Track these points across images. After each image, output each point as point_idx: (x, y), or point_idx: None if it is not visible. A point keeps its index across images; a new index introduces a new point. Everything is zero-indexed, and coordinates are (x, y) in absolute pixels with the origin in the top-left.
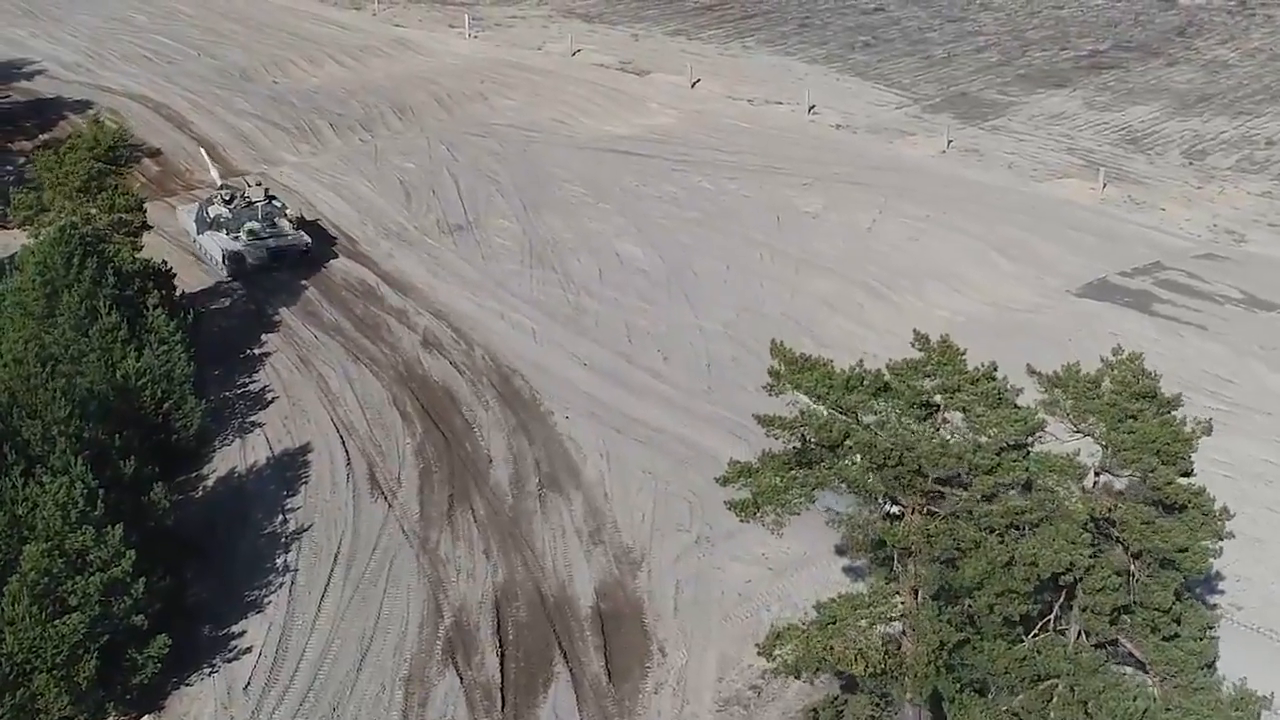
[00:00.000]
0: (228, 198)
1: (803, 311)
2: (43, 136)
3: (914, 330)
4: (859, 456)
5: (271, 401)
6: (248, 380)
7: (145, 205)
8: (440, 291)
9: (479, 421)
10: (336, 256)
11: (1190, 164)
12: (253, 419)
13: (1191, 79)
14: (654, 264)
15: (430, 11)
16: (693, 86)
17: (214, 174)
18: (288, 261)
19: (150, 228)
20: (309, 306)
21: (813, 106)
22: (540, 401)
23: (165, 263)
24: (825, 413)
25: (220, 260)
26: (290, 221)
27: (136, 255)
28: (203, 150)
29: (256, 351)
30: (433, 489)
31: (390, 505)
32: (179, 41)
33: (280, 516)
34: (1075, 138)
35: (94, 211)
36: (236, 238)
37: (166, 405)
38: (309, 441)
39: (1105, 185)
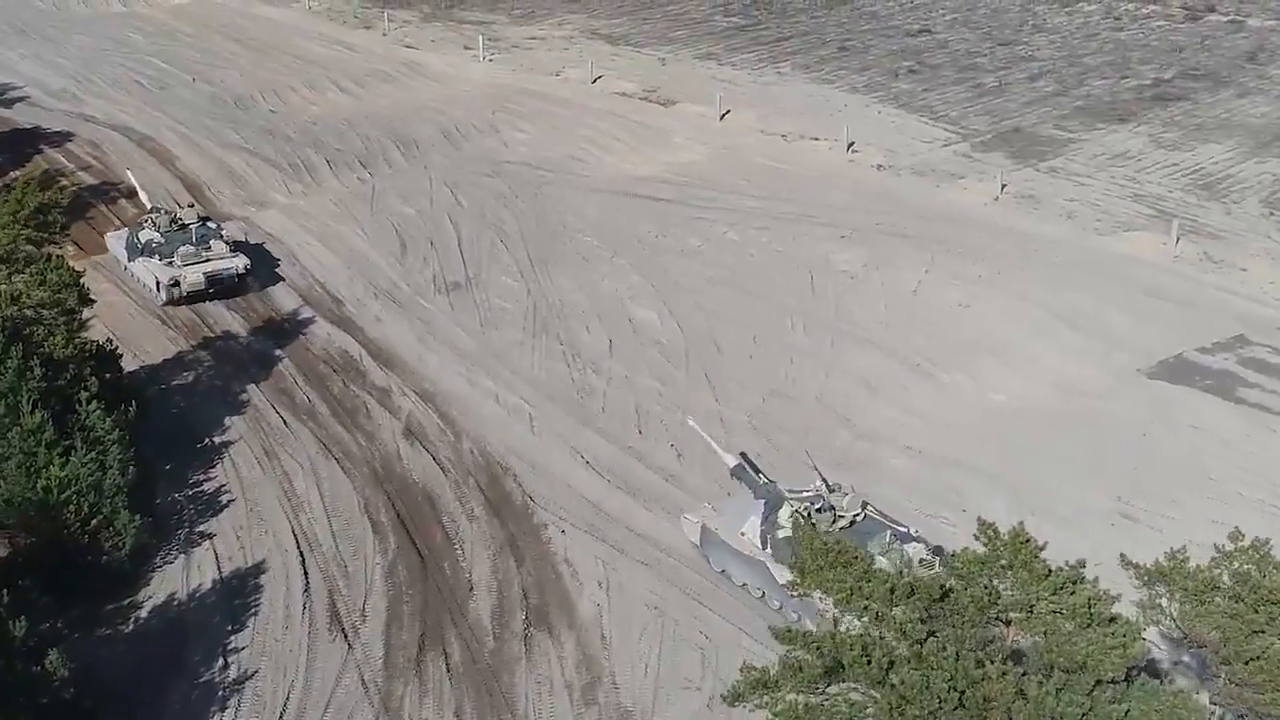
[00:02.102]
0: (159, 222)
1: (839, 395)
2: (14, 174)
3: (978, 523)
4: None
5: (227, 505)
6: (202, 477)
7: (83, 280)
8: (430, 365)
9: (461, 535)
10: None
11: (1272, 214)
12: (202, 528)
13: (1266, 113)
14: (671, 334)
15: (445, 31)
16: (722, 118)
17: (143, 197)
18: (225, 286)
19: (93, 301)
20: (281, 383)
21: (852, 143)
22: (533, 510)
23: (110, 341)
24: (860, 630)
25: (154, 288)
26: (227, 244)
27: (74, 336)
28: (129, 172)
29: (217, 440)
30: (402, 625)
31: (351, 646)
32: (174, 65)
33: (221, 660)
34: (1141, 182)
35: (20, 288)
36: (170, 263)
37: (95, 521)
38: (264, 560)
39: (1178, 240)
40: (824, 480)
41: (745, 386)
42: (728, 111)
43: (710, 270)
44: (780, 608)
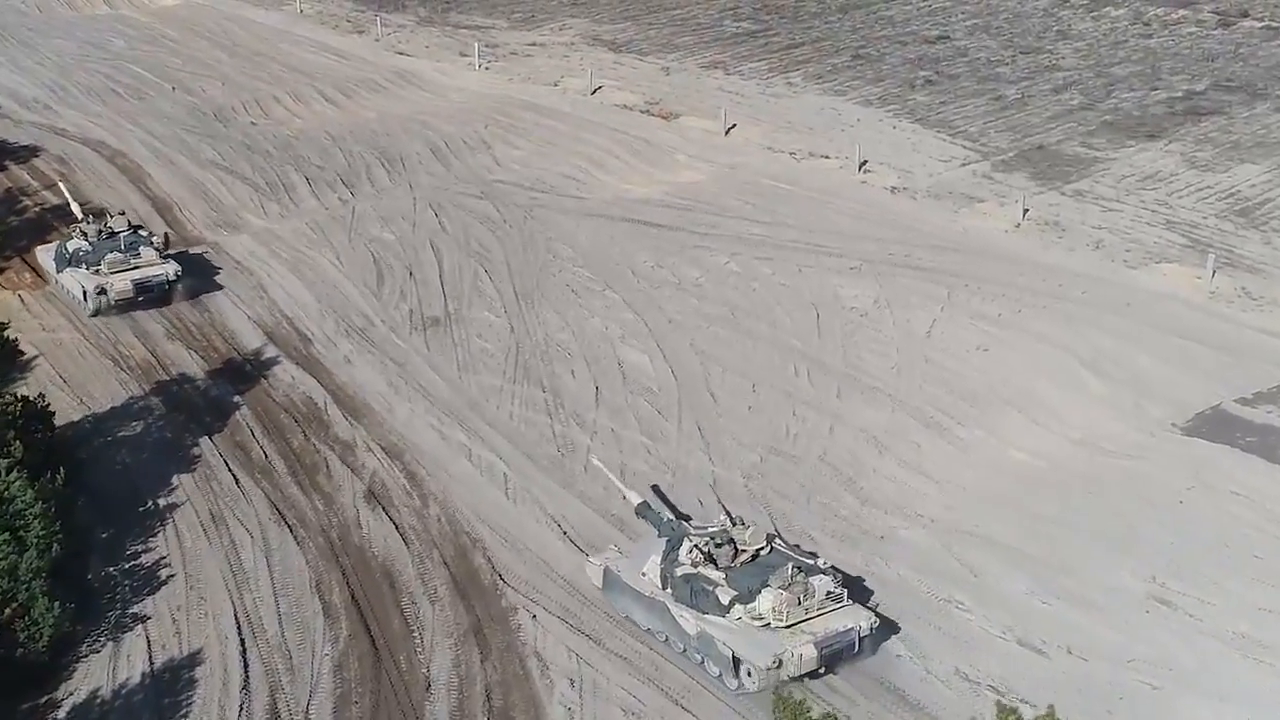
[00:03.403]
0: (88, 231)
1: (844, 453)
2: None
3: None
4: None
5: (165, 582)
6: (141, 548)
7: (6, 330)
8: (399, 415)
9: (422, 621)
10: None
11: None
12: (136, 609)
13: None
14: (664, 380)
15: (440, 37)
16: (727, 134)
17: (75, 209)
18: (155, 294)
19: (21, 355)
20: (237, 435)
21: (865, 162)
22: (502, 592)
23: (42, 397)
24: None
25: (82, 297)
26: (157, 250)
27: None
28: (61, 184)
29: (161, 502)
30: None
31: None
32: (154, 73)
33: None
34: (1174, 207)
35: None
36: (97, 270)
37: (8, 610)
38: (201, 649)
39: (1214, 274)
40: (728, 514)
41: (742, 443)
42: (733, 126)
43: (708, 307)
44: (684, 651)
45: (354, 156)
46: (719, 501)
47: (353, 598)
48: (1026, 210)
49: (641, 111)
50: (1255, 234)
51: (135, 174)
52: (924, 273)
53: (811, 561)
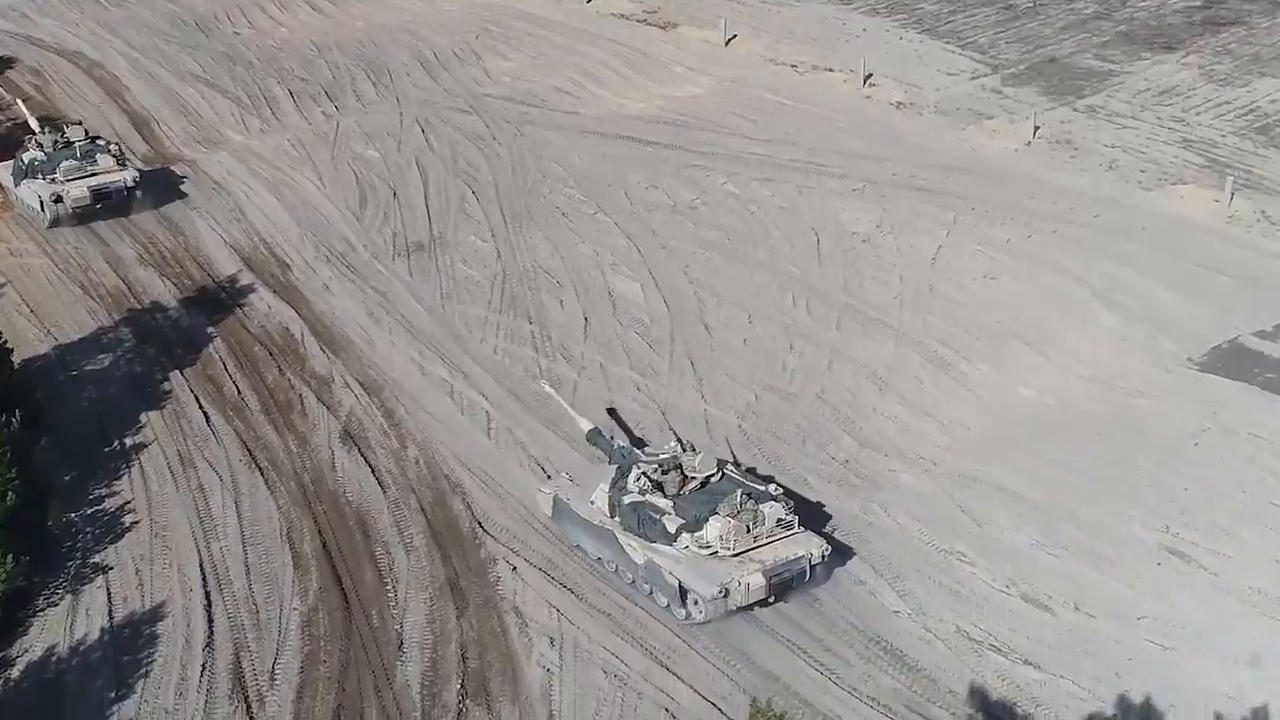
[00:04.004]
0: (44, 142)
1: (843, 391)
2: None
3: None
4: None
5: (129, 529)
6: (105, 492)
7: None
8: (379, 348)
9: (396, 572)
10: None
11: None
12: (98, 558)
13: None
14: (656, 310)
15: None
16: (727, 44)
17: (32, 122)
18: (114, 201)
19: None
20: (210, 369)
21: (870, 76)
22: (481, 541)
23: (4, 331)
24: None
25: (39, 208)
26: (115, 158)
27: None
28: (19, 101)
29: (128, 442)
30: (315, 694)
31: None
32: None
33: None
34: (1191, 124)
35: None
36: (53, 179)
37: None
38: (164, 602)
39: (1233, 196)
40: (679, 439)
41: (736, 379)
42: (734, 37)
43: (704, 231)
44: (632, 582)
45: (339, 69)
46: (669, 427)
47: (324, 547)
48: (1037, 128)
49: (639, 21)
50: (1276, 153)
51: (112, 87)
52: (929, 195)
53: (762, 488)
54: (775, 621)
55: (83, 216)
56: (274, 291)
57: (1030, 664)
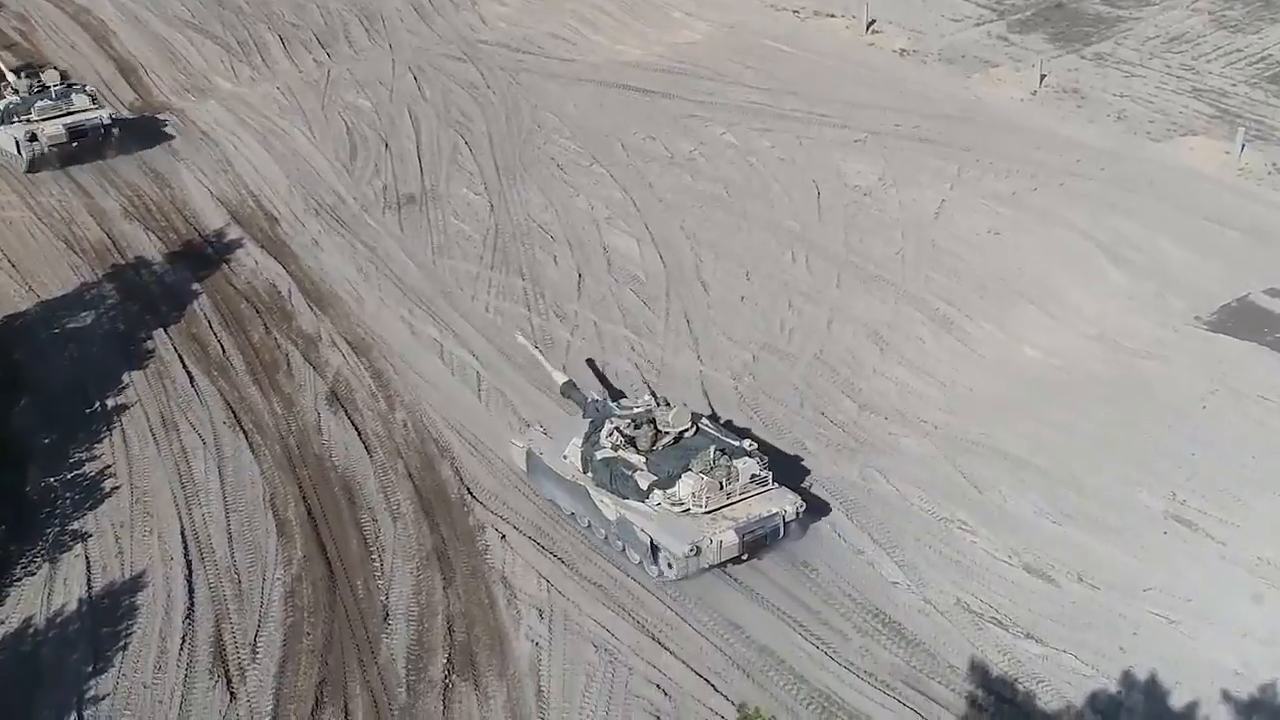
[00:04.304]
0: (19, 87)
1: (843, 350)
2: None
3: None
4: None
5: (109, 495)
6: (85, 455)
7: None
8: (368, 305)
9: (382, 540)
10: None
11: None
12: (77, 525)
13: None
14: (652, 266)
15: None
16: None
17: (6, 71)
18: (90, 140)
19: None
20: (194, 327)
21: (873, 22)
22: (470, 508)
23: None
24: None
25: (15, 150)
26: (90, 97)
27: None
28: None
29: (110, 403)
30: (298, 667)
31: (234, 696)
32: None
33: (73, 714)
34: (1201, 73)
35: None
36: (28, 120)
37: None
38: (144, 571)
39: (1243, 148)
40: (652, 394)
41: (733, 338)
42: None
43: (702, 184)
44: (605, 538)
45: (331, 14)
46: (643, 380)
47: (309, 514)
48: (1044, 76)
49: None
50: None
51: (99, 33)
52: (933, 146)
53: (736, 443)
54: (770, 592)
55: (61, 158)
56: (261, 246)
57: (1032, 638)
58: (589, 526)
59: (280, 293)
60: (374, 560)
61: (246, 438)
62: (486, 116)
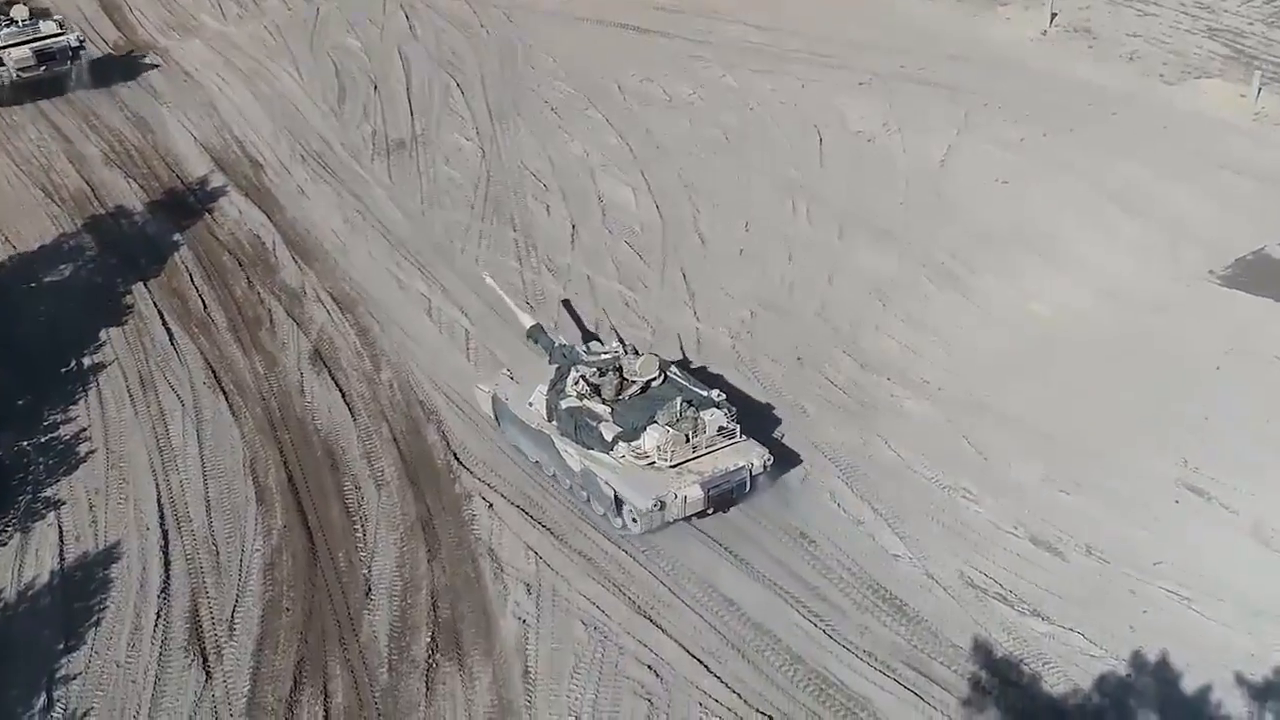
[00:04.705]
0: None
1: (844, 307)
2: None
3: None
4: None
5: (84, 459)
6: (60, 418)
7: None
8: (355, 257)
9: (365, 509)
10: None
11: None
12: (50, 492)
13: None
14: (648, 217)
15: None
16: None
17: None
18: (59, 63)
19: None
20: (175, 280)
21: None
22: (457, 475)
23: None
24: None
25: None
26: (58, 23)
27: None
28: None
29: (86, 361)
30: (277, 645)
31: (209, 676)
32: None
33: (43, 695)
34: (1217, 11)
35: None
36: None
37: None
38: (119, 542)
39: (1260, 91)
40: (620, 341)
41: (731, 294)
42: None
43: (701, 129)
44: (570, 488)
45: None
46: (611, 327)
47: (290, 481)
48: (1054, 15)
49: None
50: None
51: None
52: (939, 89)
53: (705, 393)
54: (766, 565)
55: (30, 86)
56: (245, 195)
57: (1038, 615)
58: (553, 475)
59: (264, 244)
60: (356, 531)
61: (227, 399)
62: (479, 57)
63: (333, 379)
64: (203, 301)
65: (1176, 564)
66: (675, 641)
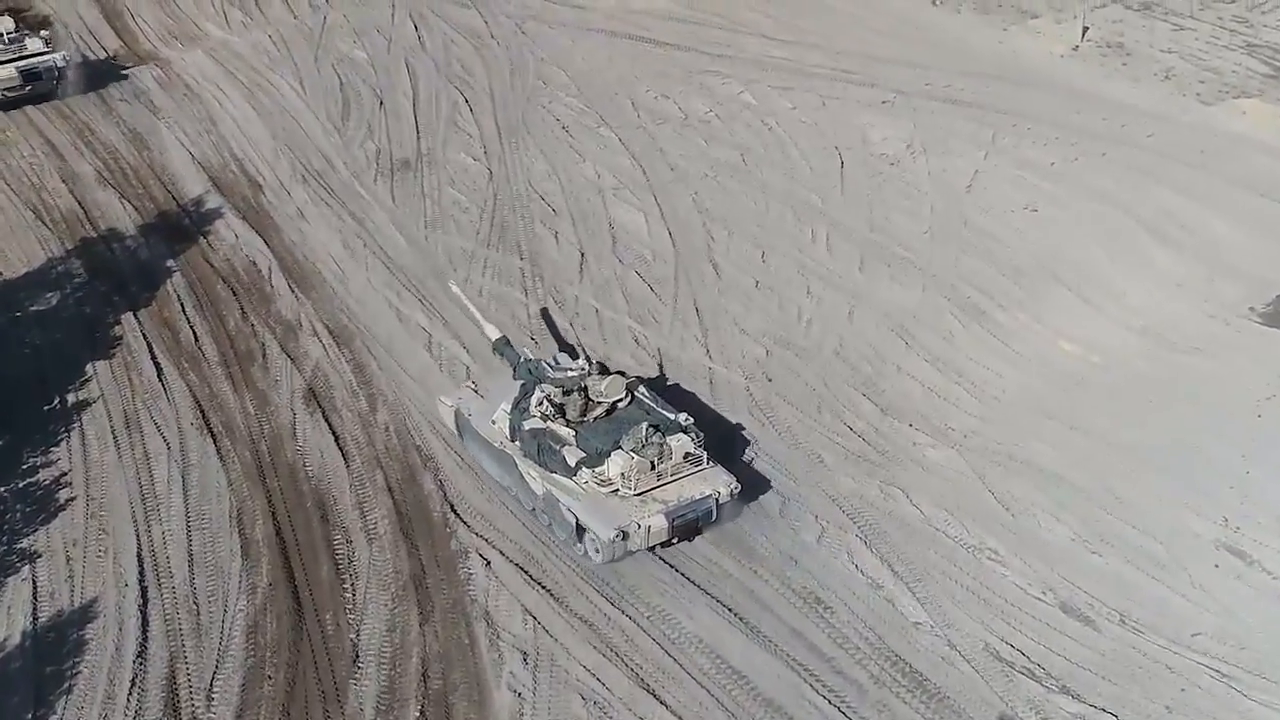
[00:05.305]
0: None
1: (864, 346)
2: None
3: None
4: None
5: (63, 507)
6: (40, 460)
7: None
8: (353, 287)
9: (356, 566)
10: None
11: None
12: (26, 542)
13: None
14: (661, 245)
15: None
16: None
17: None
18: (45, 83)
19: None
20: (166, 310)
21: None
22: (454, 529)
23: None
24: None
25: None
26: (44, 40)
27: None
28: None
29: (71, 398)
30: (257, 718)
31: None
32: None
33: None
34: (1256, 25)
35: None
36: None
37: None
38: (95, 599)
39: None
40: (586, 357)
41: (746, 330)
42: None
43: (717, 150)
44: (533, 510)
45: None
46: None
47: (278, 533)
48: (1086, 29)
49: None
50: None
51: None
52: (966, 108)
53: (672, 416)
54: (779, 634)
55: (15, 103)
56: (243, 217)
57: (1068, 692)
58: (515, 495)
59: (260, 271)
60: (346, 590)
61: (215, 441)
62: (489, 70)
63: (326, 420)
64: (194, 333)
65: (1217, 636)
66: (679, 719)
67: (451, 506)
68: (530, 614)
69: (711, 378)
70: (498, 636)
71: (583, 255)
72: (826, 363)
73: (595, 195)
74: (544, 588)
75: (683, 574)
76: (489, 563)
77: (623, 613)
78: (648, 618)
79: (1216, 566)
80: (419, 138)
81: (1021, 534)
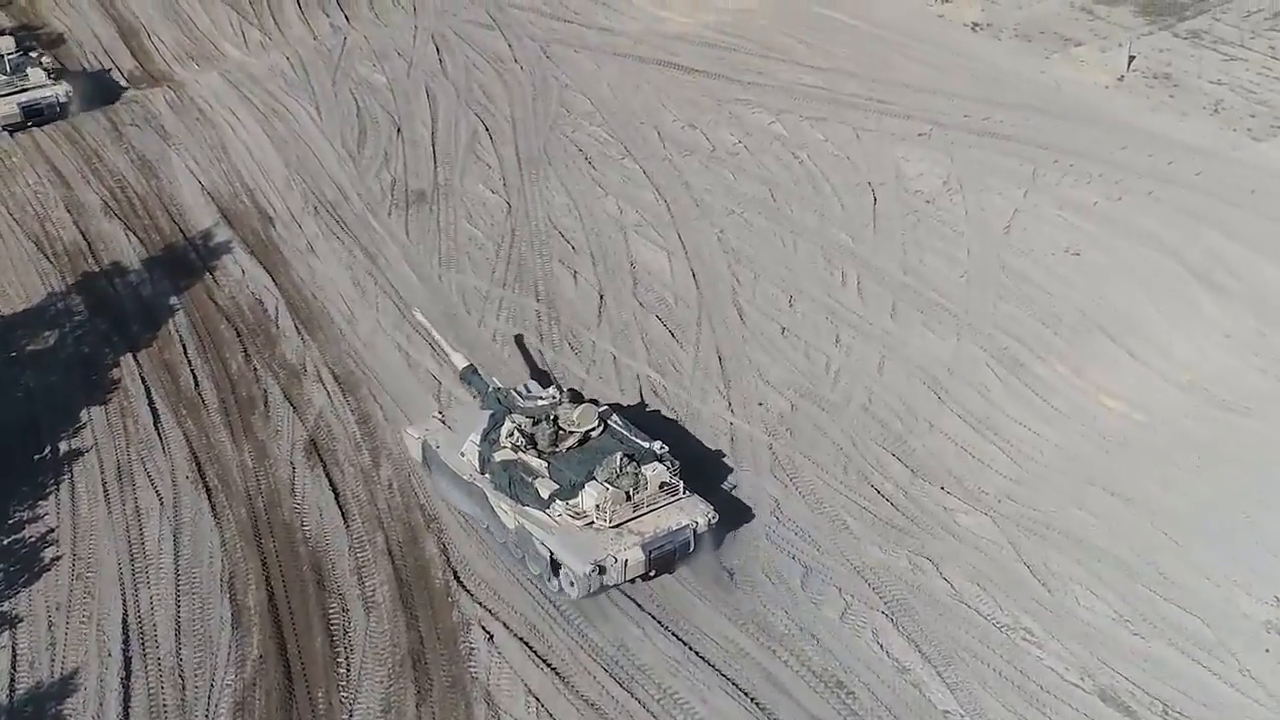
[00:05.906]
0: None
1: (895, 400)
2: None
3: None
4: None
5: (48, 567)
6: (27, 515)
7: None
8: (361, 329)
9: (352, 638)
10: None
11: None
12: (7, 606)
13: None
14: (684, 287)
15: None
16: None
17: None
18: (46, 117)
19: None
20: (167, 351)
21: None
22: (456, 598)
23: None
24: None
25: None
26: (46, 70)
27: None
28: None
29: (62, 447)
30: None
31: None
32: None
33: None
34: None
35: None
36: None
37: None
38: (76, 671)
39: None
40: (556, 385)
41: (770, 381)
42: None
43: (744, 184)
44: (504, 544)
45: None
46: (553, 381)
47: (270, 600)
48: (1132, 58)
49: None
50: None
51: None
52: (1005, 142)
53: (646, 445)
54: None
55: (12, 130)
56: (251, 252)
57: None
58: (487, 529)
59: (266, 311)
60: (340, 664)
61: (210, 496)
62: (511, 97)
63: (327, 475)
64: (194, 377)
65: None
66: None
67: (454, 573)
68: (534, 696)
69: (733, 433)
70: (499, 718)
71: (601, 297)
72: (854, 418)
73: (617, 232)
74: (549, 665)
75: (696, 651)
76: (491, 636)
77: (632, 695)
78: (659, 700)
79: (1267, 651)
80: (436, 167)
81: (1058, 612)
